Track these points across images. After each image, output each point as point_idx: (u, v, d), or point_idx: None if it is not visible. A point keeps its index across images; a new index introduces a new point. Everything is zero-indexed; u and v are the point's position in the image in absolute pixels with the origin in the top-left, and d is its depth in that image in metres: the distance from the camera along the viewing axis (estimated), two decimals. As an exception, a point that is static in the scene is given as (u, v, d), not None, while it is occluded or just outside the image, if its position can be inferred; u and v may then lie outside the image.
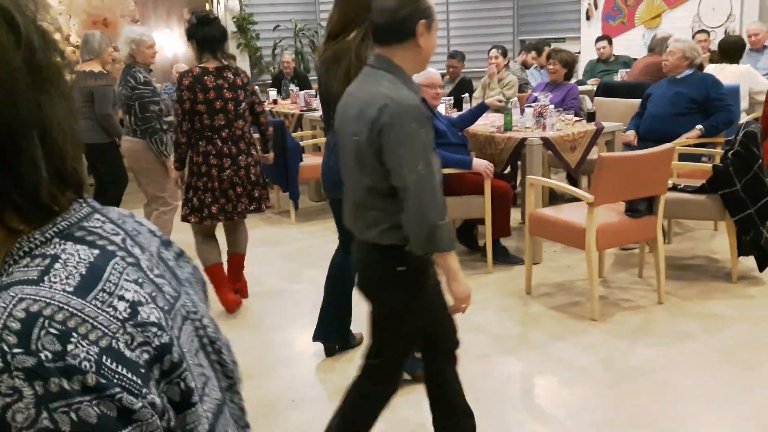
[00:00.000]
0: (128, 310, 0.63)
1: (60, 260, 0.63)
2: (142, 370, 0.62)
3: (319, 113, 6.57)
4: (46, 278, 0.61)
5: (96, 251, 0.66)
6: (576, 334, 3.53)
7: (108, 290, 0.63)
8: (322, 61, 2.95)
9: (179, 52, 10.51)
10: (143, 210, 4.74)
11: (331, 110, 2.92)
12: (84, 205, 0.70)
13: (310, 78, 8.83)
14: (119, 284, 0.65)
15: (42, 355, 0.56)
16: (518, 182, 5.85)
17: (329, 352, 3.40)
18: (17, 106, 0.61)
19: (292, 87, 7.69)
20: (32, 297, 0.58)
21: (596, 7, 9.23)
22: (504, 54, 6.49)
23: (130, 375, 0.60)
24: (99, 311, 0.61)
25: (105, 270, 0.65)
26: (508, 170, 5.20)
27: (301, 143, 6.03)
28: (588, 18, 9.33)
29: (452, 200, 4.37)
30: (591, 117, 4.98)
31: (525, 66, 7.92)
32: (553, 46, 7.45)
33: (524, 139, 4.44)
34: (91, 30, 5.96)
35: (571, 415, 2.79)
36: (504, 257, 4.54)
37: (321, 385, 3.17)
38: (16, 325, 0.56)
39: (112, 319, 0.61)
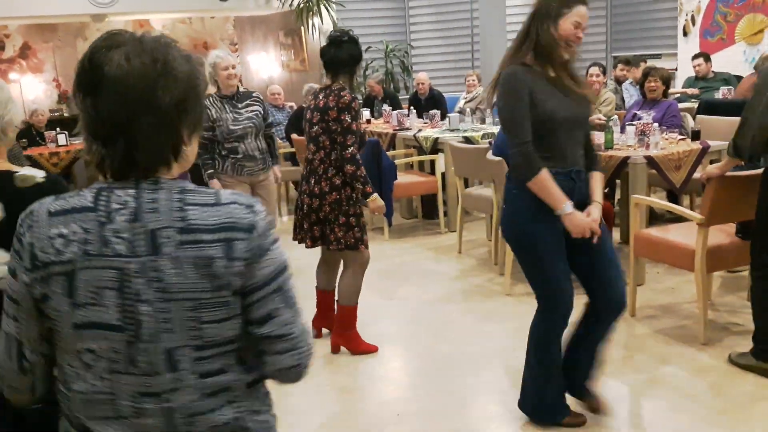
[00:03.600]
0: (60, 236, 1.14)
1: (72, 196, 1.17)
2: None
3: (413, 132, 6.66)
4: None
5: (81, 201, 1.15)
6: (684, 358, 3.43)
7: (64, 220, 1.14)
8: None
9: (274, 75, 10.89)
10: None
11: None
12: (129, 182, 1.15)
13: (400, 98, 8.96)
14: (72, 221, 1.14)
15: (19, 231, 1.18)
16: (615, 201, 5.74)
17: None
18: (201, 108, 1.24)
19: (385, 107, 7.82)
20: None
21: (694, 23, 8.98)
22: (604, 72, 6.41)
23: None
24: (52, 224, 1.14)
25: (80, 208, 1.15)
26: (606, 189, 5.12)
27: (395, 161, 6.12)
28: (685, 34, 9.08)
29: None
30: (696, 135, 4.85)
31: (618, 81, 7.78)
32: (648, 63, 7.29)
33: (627, 158, 4.37)
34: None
35: (683, 441, 2.72)
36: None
37: (421, 400, 3.20)
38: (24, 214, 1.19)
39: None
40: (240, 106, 4.36)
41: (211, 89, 5.02)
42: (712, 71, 7.73)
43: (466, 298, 4.49)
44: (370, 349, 3.74)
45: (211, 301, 1.12)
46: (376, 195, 3.48)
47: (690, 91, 7.64)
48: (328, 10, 9.66)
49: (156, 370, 1.13)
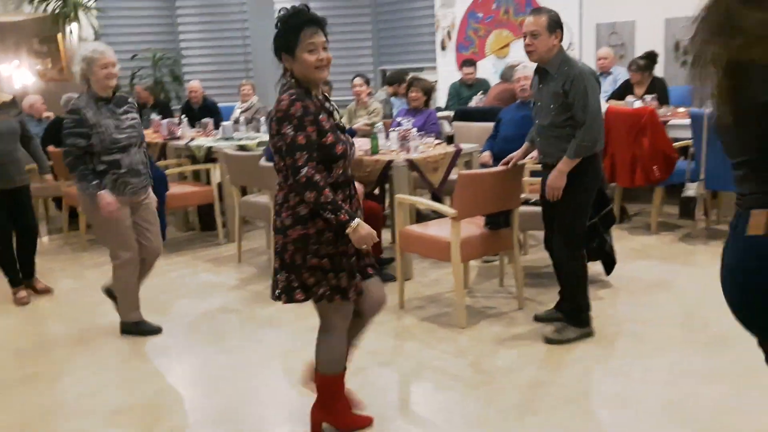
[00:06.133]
0: None
1: None
2: None
3: (185, 142, 6.48)
4: None
5: None
6: (446, 341, 3.73)
7: None
8: None
9: (28, 83, 10.00)
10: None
11: None
12: None
13: (173, 108, 8.70)
14: None
15: None
16: (386, 204, 6.07)
17: None
18: None
19: (153, 115, 7.54)
20: None
21: (450, 38, 9.77)
22: (367, 82, 6.75)
23: None
24: None
25: None
26: (377, 192, 5.40)
27: (166, 172, 5.93)
28: (443, 48, 9.85)
29: (324, 222, 4.50)
30: (450, 140, 5.30)
31: (395, 94, 8.24)
32: (412, 75, 7.81)
33: (391, 162, 4.65)
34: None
35: (447, 417, 2.96)
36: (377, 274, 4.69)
37: (197, 412, 3.15)
38: None
39: None
40: (119, 111, 3.82)
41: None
42: (476, 78, 8.53)
43: (245, 307, 4.48)
44: (364, 423, 2.92)
45: None
46: (358, 221, 2.52)
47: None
48: (87, 16, 9.10)
49: None
